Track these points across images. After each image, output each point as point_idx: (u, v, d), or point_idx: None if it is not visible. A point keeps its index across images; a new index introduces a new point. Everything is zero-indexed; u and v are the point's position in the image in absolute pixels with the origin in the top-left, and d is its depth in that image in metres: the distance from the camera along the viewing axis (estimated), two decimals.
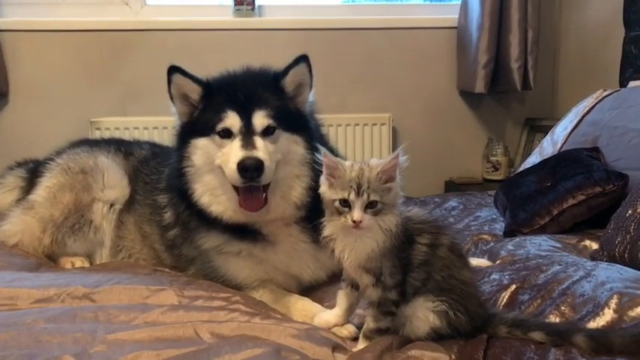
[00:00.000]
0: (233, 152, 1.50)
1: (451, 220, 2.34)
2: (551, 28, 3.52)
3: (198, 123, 1.61)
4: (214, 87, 1.62)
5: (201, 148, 1.59)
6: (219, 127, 1.55)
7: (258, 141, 1.51)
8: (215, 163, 1.56)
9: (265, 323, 1.31)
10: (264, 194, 1.53)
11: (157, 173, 1.92)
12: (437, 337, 1.24)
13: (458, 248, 1.31)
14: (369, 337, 1.26)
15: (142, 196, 1.95)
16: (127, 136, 2.85)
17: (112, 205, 1.97)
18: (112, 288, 1.51)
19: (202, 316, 1.34)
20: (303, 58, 1.64)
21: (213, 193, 1.59)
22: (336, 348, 1.24)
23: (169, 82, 1.63)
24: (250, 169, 1.46)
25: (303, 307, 1.48)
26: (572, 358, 1.12)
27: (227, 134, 1.55)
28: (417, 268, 1.24)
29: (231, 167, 1.48)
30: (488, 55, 3.30)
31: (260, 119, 1.54)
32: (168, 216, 1.79)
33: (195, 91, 1.62)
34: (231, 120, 1.54)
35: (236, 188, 1.54)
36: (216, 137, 1.56)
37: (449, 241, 1.28)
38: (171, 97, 1.65)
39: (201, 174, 1.60)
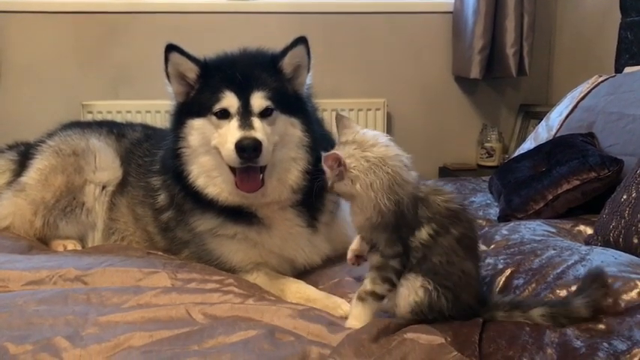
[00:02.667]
0: (231, 133, 1.49)
1: None
2: (547, 13, 3.50)
3: (195, 103, 1.60)
4: (212, 67, 1.60)
5: (198, 128, 1.58)
6: (217, 107, 1.54)
7: (256, 122, 1.50)
8: (211, 144, 1.55)
9: (259, 304, 1.31)
10: (261, 176, 1.52)
11: (151, 155, 1.91)
12: (418, 315, 1.24)
13: (468, 241, 1.28)
14: (363, 299, 1.26)
15: (135, 178, 1.94)
16: (119, 119, 2.83)
17: (103, 187, 1.96)
18: (105, 270, 1.50)
19: (195, 298, 1.34)
20: (301, 40, 1.62)
21: (209, 175, 1.58)
22: (330, 326, 1.24)
23: (166, 60, 1.61)
24: (248, 149, 1.44)
25: (297, 290, 1.48)
26: (567, 341, 1.13)
27: (224, 115, 1.53)
28: (415, 248, 1.24)
29: (229, 147, 1.47)
30: (483, 40, 3.29)
31: (258, 100, 1.53)
32: (161, 198, 1.78)
33: (192, 71, 1.61)
34: (229, 100, 1.53)
35: (233, 170, 1.53)
36: (213, 118, 1.55)
37: (459, 233, 1.26)
38: (168, 76, 1.64)
39: (198, 155, 1.59)
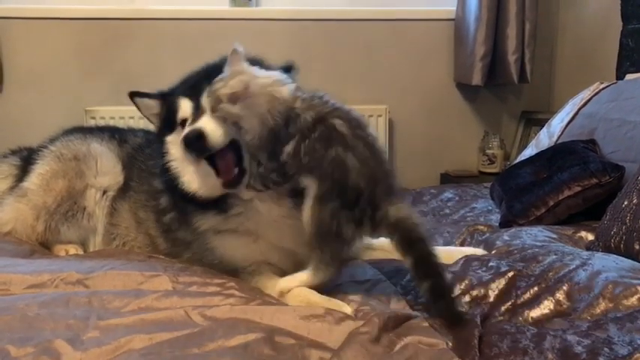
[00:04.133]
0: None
1: (447, 211, 2.34)
2: (548, 21, 3.51)
3: (167, 123, 1.69)
4: (171, 92, 1.70)
5: (172, 142, 1.64)
6: (178, 118, 1.62)
7: (205, 117, 1.49)
8: None
9: (257, 306, 1.31)
10: (238, 167, 1.50)
11: (153, 159, 1.91)
12: (323, 223, 1.36)
13: (332, 134, 1.39)
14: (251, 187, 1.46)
15: (138, 182, 1.94)
16: (121, 125, 2.84)
17: (104, 192, 1.96)
18: (106, 274, 1.50)
19: (196, 301, 1.34)
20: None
21: (199, 179, 1.59)
22: (331, 325, 1.24)
23: (135, 105, 1.76)
24: (189, 140, 1.46)
25: (298, 293, 1.47)
26: (568, 346, 1.12)
27: (184, 123, 1.58)
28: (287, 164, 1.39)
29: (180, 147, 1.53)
30: (485, 47, 3.30)
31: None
32: (164, 200, 1.78)
33: (156, 105, 1.73)
34: (184, 107, 1.61)
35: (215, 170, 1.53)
36: (179, 129, 1.60)
37: (320, 132, 1.38)
38: (145, 116, 1.78)
39: (184, 165, 1.61)
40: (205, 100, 1.45)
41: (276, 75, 1.48)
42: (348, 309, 1.35)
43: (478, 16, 3.28)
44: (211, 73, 1.56)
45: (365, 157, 1.37)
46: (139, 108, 1.76)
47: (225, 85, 1.41)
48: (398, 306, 1.38)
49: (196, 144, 1.46)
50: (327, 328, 1.23)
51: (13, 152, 2.28)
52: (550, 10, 3.51)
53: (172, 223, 1.76)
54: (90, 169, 1.95)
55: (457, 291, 1.39)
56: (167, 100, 1.68)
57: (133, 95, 1.73)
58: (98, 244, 1.97)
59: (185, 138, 1.46)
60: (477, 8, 3.27)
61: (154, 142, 2.02)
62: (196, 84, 1.59)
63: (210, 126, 1.46)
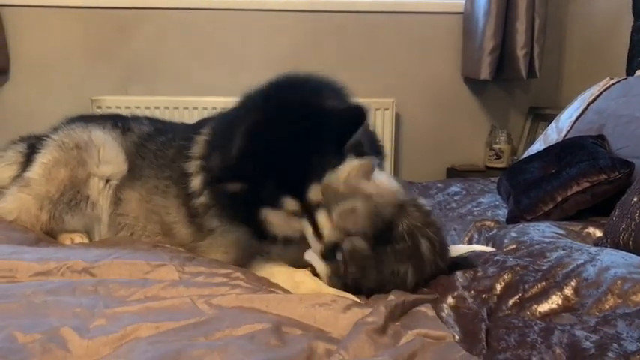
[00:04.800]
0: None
1: (453, 205, 2.33)
2: (558, 15, 3.49)
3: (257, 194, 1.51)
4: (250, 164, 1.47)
5: (275, 218, 1.51)
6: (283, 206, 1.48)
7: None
8: None
9: (264, 295, 1.31)
10: None
11: (174, 147, 1.89)
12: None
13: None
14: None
15: (155, 170, 1.92)
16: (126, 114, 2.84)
17: (107, 181, 1.95)
18: (112, 262, 1.50)
19: (203, 290, 1.34)
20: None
21: (286, 228, 1.52)
22: (337, 313, 1.24)
23: None
24: (327, 255, 1.43)
25: (310, 284, 1.46)
26: (576, 341, 1.12)
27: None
28: None
29: None
30: (494, 41, 3.28)
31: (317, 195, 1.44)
32: (194, 183, 1.74)
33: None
34: (289, 205, 1.45)
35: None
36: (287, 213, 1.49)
37: None
38: None
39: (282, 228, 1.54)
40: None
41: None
42: (357, 299, 1.35)
43: (487, 10, 3.26)
44: (287, 135, 1.43)
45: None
46: None
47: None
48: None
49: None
50: (333, 316, 1.23)
51: (23, 139, 2.27)
52: (560, 4, 3.49)
53: (200, 207, 1.73)
54: (92, 157, 1.95)
55: (462, 283, 1.39)
56: (250, 177, 1.45)
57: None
58: (103, 233, 1.97)
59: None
60: (487, 2, 3.26)
61: (169, 129, 2.03)
62: (287, 171, 1.42)
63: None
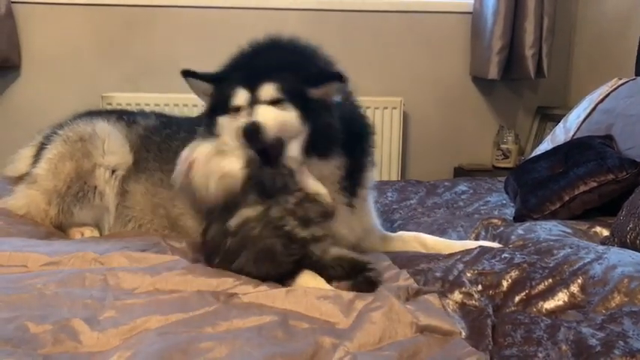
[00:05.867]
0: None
1: (461, 203, 2.34)
2: (567, 15, 3.48)
3: (219, 106, 1.65)
4: (224, 76, 1.66)
5: (225, 124, 1.61)
6: (233, 104, 1.59)
7: (261, 108, 1.54)
8: None
9: (270, 291, 1.33)
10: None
11: (179, 140, 1.91)
12: None
13: None
14: None
15: (162, 162, 1.93)
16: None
17: (113, 171, 1.96)
18: (122, 254, 1.52)
19: (211, 282, 1.35)
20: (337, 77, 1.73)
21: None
22: (343, 307, 1.25)
23: (187, 83, 1.73)
24: (247, 131, 1.48)
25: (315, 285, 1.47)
26: (582, 338, 1.12)
27: (238, 109, 1.58)
28: None
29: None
30: (502, 41, 3.28)
31: (268, 91, 1.55)
32: None
33: (209, 87, 1.69)
34: (240, 95, 1.57)
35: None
36: (233, 113, 1.59)
37: None
38: (196, 93, 1.75)
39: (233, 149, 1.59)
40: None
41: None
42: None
43: (496, 10, 3.26)
44: (263, 58, 1.60)
45: None
46: (190, 86, 1.73)
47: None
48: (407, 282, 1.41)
49: (254, 136, 1.48)
50: (338, 309, 1.24)
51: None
52: (568, 4, 3.48)
53: None
54: (97, 148, 1.96)
55: (469, 278, 1.39)
56: (221, 85, 1.66)
57: (186, 74, 1.70)
58: (112, 224, 1.98)
59: (245, 129, 1.48)
60: (495, 1, 3.25)
61: (174, 122, 2.05)
62: (251, 74, 1.58)
63: (267, 119, 1.50)
